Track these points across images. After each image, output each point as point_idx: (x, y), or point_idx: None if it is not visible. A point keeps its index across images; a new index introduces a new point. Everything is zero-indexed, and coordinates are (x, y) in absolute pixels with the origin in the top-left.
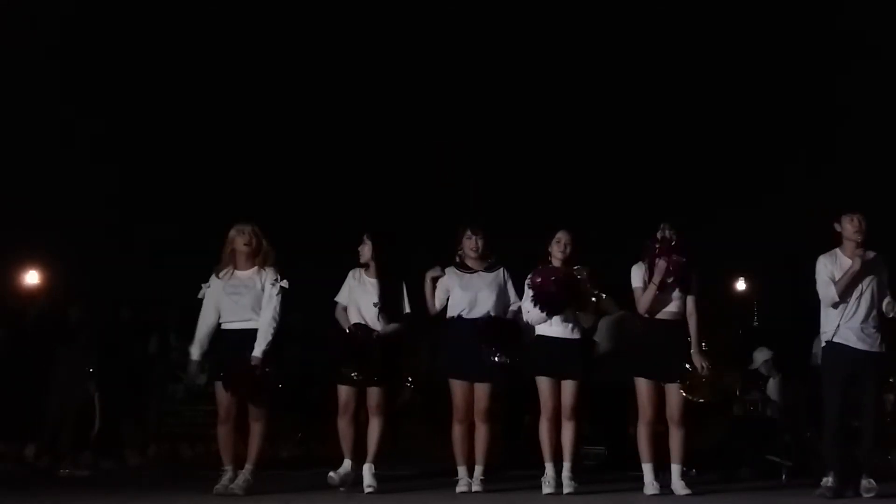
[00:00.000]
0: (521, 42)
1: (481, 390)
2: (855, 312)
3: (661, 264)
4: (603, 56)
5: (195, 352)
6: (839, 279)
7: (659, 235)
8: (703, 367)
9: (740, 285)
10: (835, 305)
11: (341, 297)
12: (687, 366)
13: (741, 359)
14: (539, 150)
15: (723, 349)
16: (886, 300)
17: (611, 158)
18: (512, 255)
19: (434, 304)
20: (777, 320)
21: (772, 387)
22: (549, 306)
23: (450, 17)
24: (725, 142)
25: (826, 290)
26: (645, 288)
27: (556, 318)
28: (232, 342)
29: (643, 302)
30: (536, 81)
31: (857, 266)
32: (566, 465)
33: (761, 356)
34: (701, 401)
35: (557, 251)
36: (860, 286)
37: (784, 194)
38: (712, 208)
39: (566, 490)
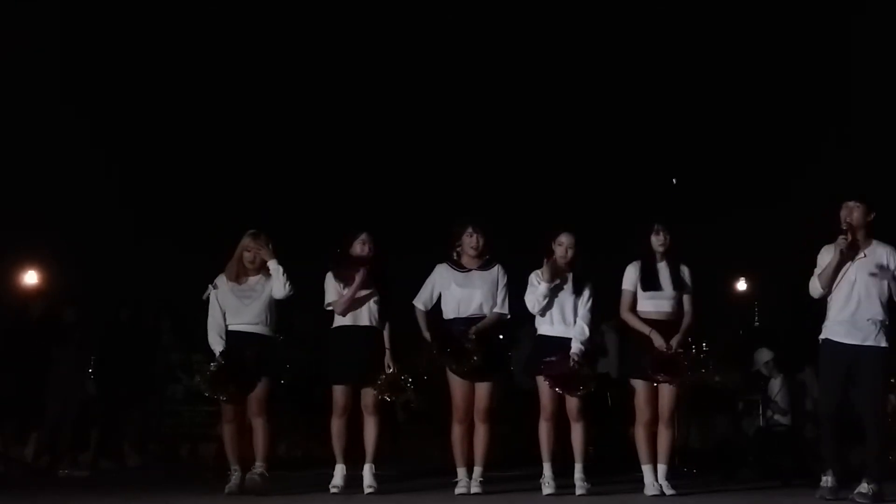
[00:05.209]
0: (519, 38)
1: (482, 390)
2: (845, 305)
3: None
4: (604, 56)
5: (218, 348)
6: (822, 270)
7: (660, 236)
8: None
9: (740, 285)
10: (820, 297)
11: (332, 299)
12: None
13: (742, 359)
14: (537, 150)
15: (723, 349)
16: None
17: (609, 158)
18: (512, 257)
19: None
20: (777, 320)
21: (773, 387)
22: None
23: (445, 16)
24: (725, 142)
25: (811, 281)
26: (634, 291)
27: (558, 318)
28: (233, 342)
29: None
30: (537, 78)
31: (836, 256)
32: (578, 467)
33: (762, 357)
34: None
35: (559, 254)
36: (852, 278)
37: (785, 194)
38: (712, 208)
39: (579, 492)
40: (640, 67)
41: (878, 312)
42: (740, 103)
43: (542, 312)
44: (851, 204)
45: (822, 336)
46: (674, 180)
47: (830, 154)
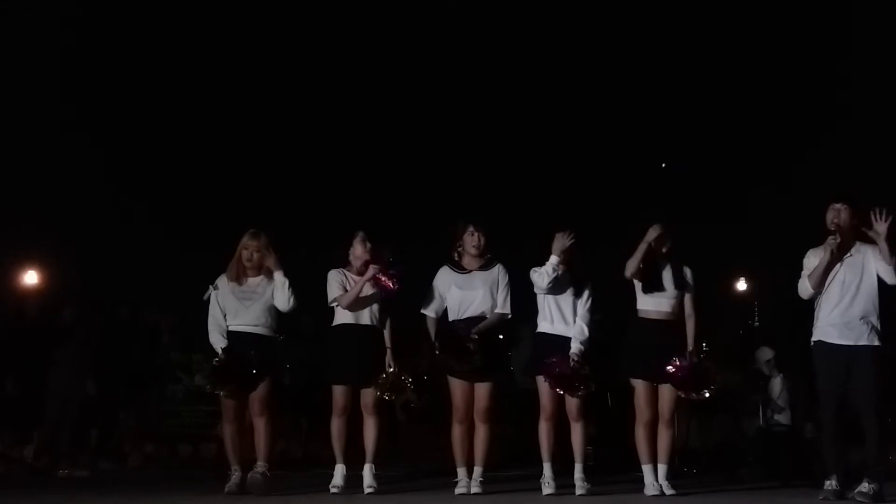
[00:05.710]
0: (523, 38)
1: (482, 390)
2: (836, 305)
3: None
4: (604, 57)
5: (219, 346)
6: (812, 271)
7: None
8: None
9: (740, 285)
10: (810, 297)
11: (336, 294)
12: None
13: (742, 359)
14: (538, 147)
15: (722, 349)
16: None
17: (610, 158)
18: (513, 255)
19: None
20: (777, 320)
21: (773, 387)
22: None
23: (444, 16)
24: (726, 142)
25: (800, 282)
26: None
27: (557, 317)
28: (233, 343)
29: (631, 265)
30: (539, 78)
31: (826, 256)
32: (578, 467)
33: (763, 356)
34: (695, 396)
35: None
36: (841, 278)
37: (786, 194)
38: (713, 207)
39: (579, 492)
40: (641, 69)
41: (869, 311)
42: (740, 102)
43: (551, 291)
44: (838, 206)
45: (814, 338)
46: (663, 164)
47: (831, 153)
